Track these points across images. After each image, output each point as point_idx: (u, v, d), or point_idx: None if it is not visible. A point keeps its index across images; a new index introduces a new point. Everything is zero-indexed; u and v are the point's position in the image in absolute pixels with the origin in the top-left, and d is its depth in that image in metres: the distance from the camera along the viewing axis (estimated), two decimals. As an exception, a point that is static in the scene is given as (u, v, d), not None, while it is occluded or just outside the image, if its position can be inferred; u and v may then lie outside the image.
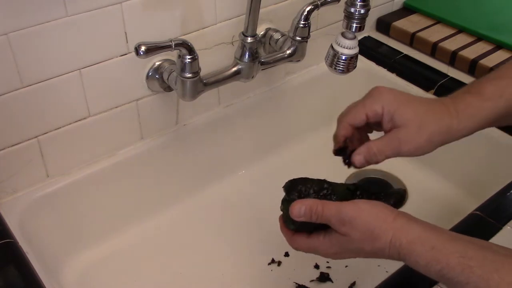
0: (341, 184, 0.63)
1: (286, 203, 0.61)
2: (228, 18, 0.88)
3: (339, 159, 0.72)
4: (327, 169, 1.05)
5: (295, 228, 0.61)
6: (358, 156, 0.61)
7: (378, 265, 0.86)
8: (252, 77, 0.86)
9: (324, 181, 0.63)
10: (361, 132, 0.66)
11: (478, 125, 0.61)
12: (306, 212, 0.57)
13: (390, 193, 0.62)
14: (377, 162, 0.62)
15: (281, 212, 0.63)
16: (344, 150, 0.64)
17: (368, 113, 0.62)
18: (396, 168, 1.05)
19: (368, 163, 0.62)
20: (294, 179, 0.63)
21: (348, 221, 0.56)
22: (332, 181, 0.64)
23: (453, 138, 0.62)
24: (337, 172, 1.04)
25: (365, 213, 0.55)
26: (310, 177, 0.64)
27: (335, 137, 0.64)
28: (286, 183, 0.63)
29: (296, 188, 0.62)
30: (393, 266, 0.67)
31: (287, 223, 0.62)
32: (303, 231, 0.61)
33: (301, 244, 0.62)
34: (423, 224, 0.54)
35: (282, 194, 1.00)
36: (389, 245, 0.54)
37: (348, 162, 0.64)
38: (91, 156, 0.85)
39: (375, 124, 0.64)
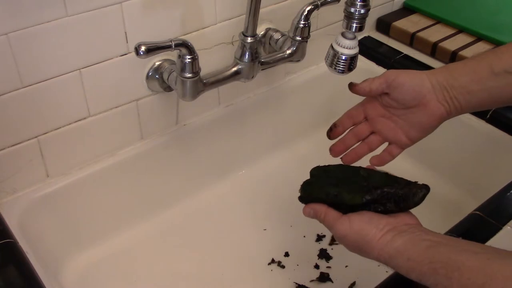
0: (353, 196, 0.66)
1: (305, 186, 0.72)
2: (228, 18, 0.88)
3: (338, 159, 0.73)
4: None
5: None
6: (361, 84, 0.74)
7: (378, 265, 0.86)
8: (252, 77, 0.86)
9: (340, 187, 0.68)
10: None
11: (464, 111, 0.70)
12: (313, 216, 0.69)
13: (410, 194, 0.66)
14: (371, 88, 0.73)
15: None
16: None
17: (367, 107, 0.75)
18: (396, 168, 1.05)
19: (369, 88, 0.73)
20: (310, 182, 0.72)
21: (340, 237, 0.66)
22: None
23: (442, 122, 0.71)
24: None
25: (354, 232, 0.64)
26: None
27: (337, 125, 0.78)
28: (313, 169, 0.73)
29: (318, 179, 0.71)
30: (393, 266, 0.67)
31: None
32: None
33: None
34: (407, 236, 0.61)
35: (281, 193, 1.00)
36: (377, 259, 0.63)
37: None
38: (91, 156, 0.85)
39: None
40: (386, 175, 0.69)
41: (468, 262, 0.53)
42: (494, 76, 0.67)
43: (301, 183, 0.72)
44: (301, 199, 0.71)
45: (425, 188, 0.66)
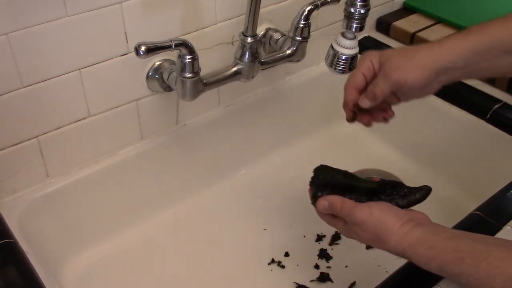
0: (367, 181, 0.69)
1: (313, 185, 0.71)
2: (228, 18, 0.88)
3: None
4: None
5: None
6: (362, 100, 0.69)
7: (378, 265, 0.86)
8: (252, 77, 0.86)
9: (351, 177, 0.70)
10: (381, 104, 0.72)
11: (460, 54, 0.66)
12: (329, 208, 0.68)
13: (414, 190, 0.69)
14: (377, 98, 0.68)
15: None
16: (355, 116, 0.73)
17: (363, 71, 0.69)
18: (396, 168, 1.05)
19: (373, 101, 0.68)
20: (324, 166, 0.72)
21: (358, 224, 0.64)
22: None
23: (438, 65, 0.66)
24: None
25: (374, 219, 0.63)
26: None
27: (345, 104, 0.72)
28: (318, 167, 0.72)
29: (327, 177, 0.70)
30: (393, 266, 0.67)
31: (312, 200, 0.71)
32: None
33: (327, 218, 0.71)
34: (426, 227, 0.61)
35: (281, 193, 1.00)
36: (393, 248, 0.62)
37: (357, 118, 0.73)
38: (91, 156, 0.85)
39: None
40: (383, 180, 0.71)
41: (496, 252, 0.54)
42: (506, 54, 0.65)
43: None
44: (313, 182, 0.71)
45: (428, 187, 0.69)
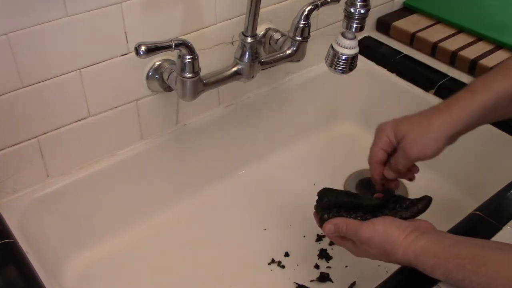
0: (370, 199, 0.72)
1: (319, 208, 0.74)
2: (228, 18, 0.88)
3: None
4: (327, 168, 1.06)
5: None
6: (387, 172, 0.75)
7: (378, 265, 0.86)
8: (252, 77, 0.86)
9: (354, 196, 0.73)
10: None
11: (470, 116, 0.70)
12: (335, 230, 0.70)
13: (416, 201, 0.71)
14: (401, 173, 0.74)
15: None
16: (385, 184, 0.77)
17: (382, 147, 0.74)
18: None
19: (397, 175, 0.75)
20: (327, 189, 0.75)
21: (365, 242, 0.66)
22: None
23: (452, 132, 0.70)
24: (336, 171, 1.04)
25: (379, 234, 0.65)
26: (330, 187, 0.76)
27: (373, 178, 0.77)
28: (321, 190, 0.74)
29: (330, 200, 0.72)
30: (393, 266, 0.67)
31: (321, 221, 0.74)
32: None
33: (336, 240, 0.73)
34: (430, 235, 0.63)
35: (281, 193, 1.00)
36: (401, 259, 0.64)
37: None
38: (91, 156, 0.85)
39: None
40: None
41: (495, 256, 0.56)
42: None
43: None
44: (318, 205, 0.73)
45: (429, 197, 0.71)
